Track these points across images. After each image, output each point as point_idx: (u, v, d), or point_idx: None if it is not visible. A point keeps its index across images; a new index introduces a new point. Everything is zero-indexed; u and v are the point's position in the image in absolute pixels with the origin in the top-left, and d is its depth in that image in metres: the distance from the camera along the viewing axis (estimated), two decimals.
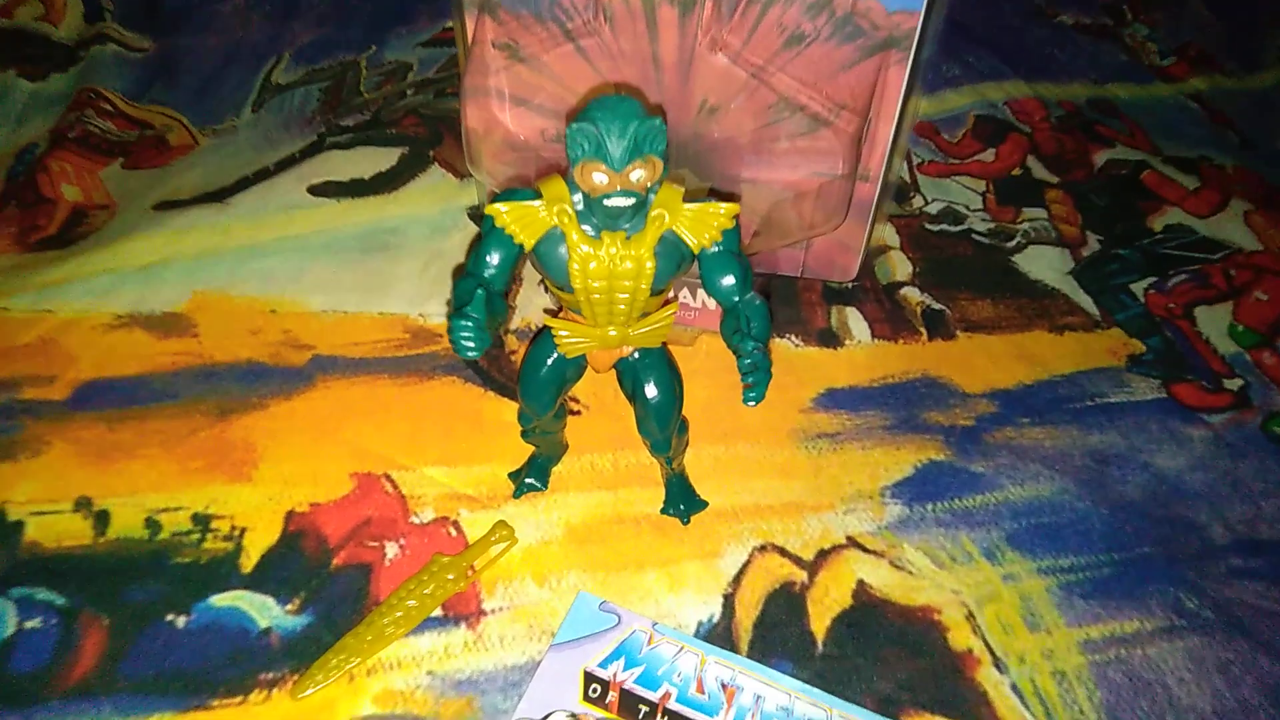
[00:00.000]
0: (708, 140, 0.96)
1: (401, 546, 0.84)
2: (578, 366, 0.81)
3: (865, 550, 0.85)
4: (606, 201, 0.67)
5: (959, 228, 1.17)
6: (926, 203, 1.21)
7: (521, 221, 0.71)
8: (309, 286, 1.08)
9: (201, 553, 0.84)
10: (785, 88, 0.87)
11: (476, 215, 1.17)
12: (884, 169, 0.98)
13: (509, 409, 0.95)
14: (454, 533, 0.86)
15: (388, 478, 0.90)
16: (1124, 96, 1.45)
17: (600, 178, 0.66)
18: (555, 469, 0.91)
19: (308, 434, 0.94)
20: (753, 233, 1.01)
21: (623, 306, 0.73)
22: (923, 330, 1.05)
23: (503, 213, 0.70)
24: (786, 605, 0.81)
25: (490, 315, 0.69)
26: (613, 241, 0.70)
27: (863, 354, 1.03)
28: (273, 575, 0.82)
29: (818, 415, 0.97)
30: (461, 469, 0.91)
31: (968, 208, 1.20)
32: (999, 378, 1.01)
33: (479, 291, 0.67)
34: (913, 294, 1.09)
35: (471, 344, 0.65)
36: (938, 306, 1.08)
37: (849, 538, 0.86)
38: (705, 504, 0.89)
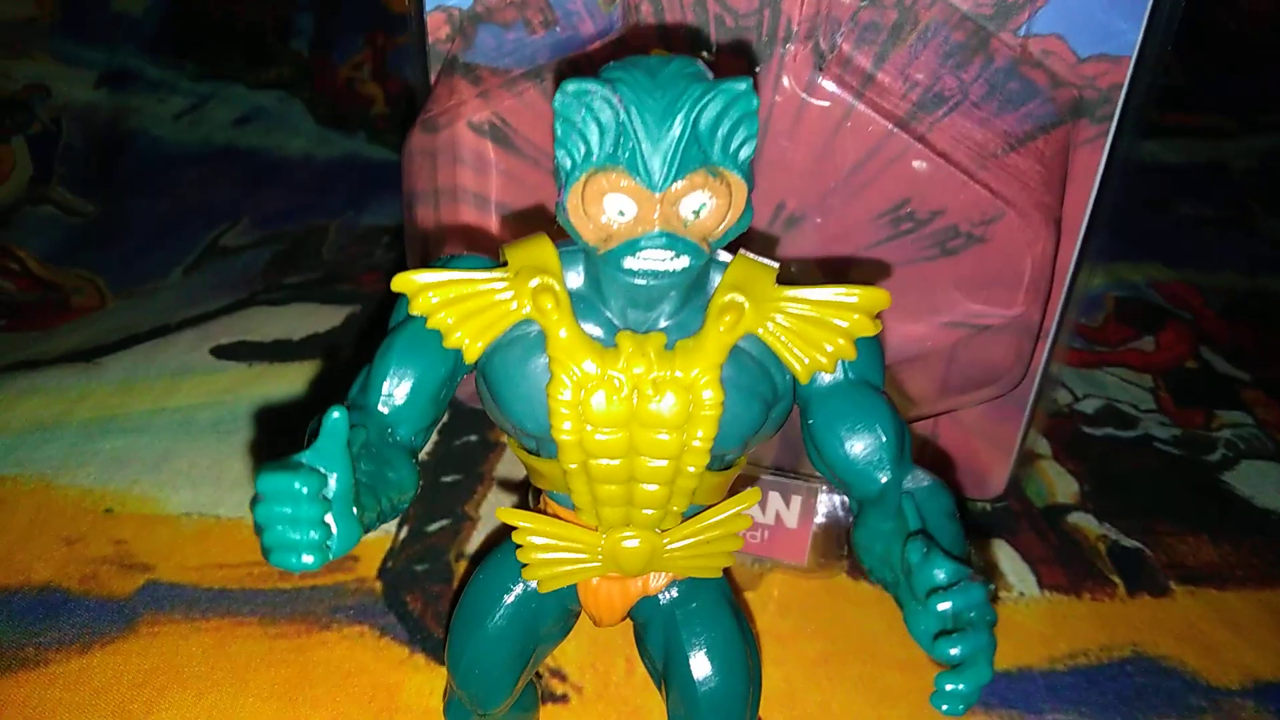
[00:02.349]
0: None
1: None
2: (561, 613, 0.43)
3: None
4: (630, 260, 0.33)
5: (1131, 433, 0.81)
6: (1076, 399, 0.85)
7: (464, 309, 0.36)
8: (173, 477, 0.72)
9: None
10: (947, 145, 0.54)
11: None
12: (1058, 318, 0.64)
13: (442, 690, 0.56)
14: None
15: None
16: None
17: (621, 206, 0.32)
18: None
19: (98, 717, 0.54)
20: None
21: (653, 488, 0.37)
22: (1117, 580, 0.67)
23: (427, 289, 0.36)
24: None
25: (372, 486, 0.33)
26: (640, 352, 0.35)
27: (1031, 615, 0.64)
28: None
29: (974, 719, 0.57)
30: None
31: (1136, 407, 0.85)
32: (1260, 661, 0.61)
33: (338, 425, 0.30)
34: (1087, 523, 0.72)
35: (296, 535, 0.29)
36: (1130, 543, 0.70)
37: None
38: None
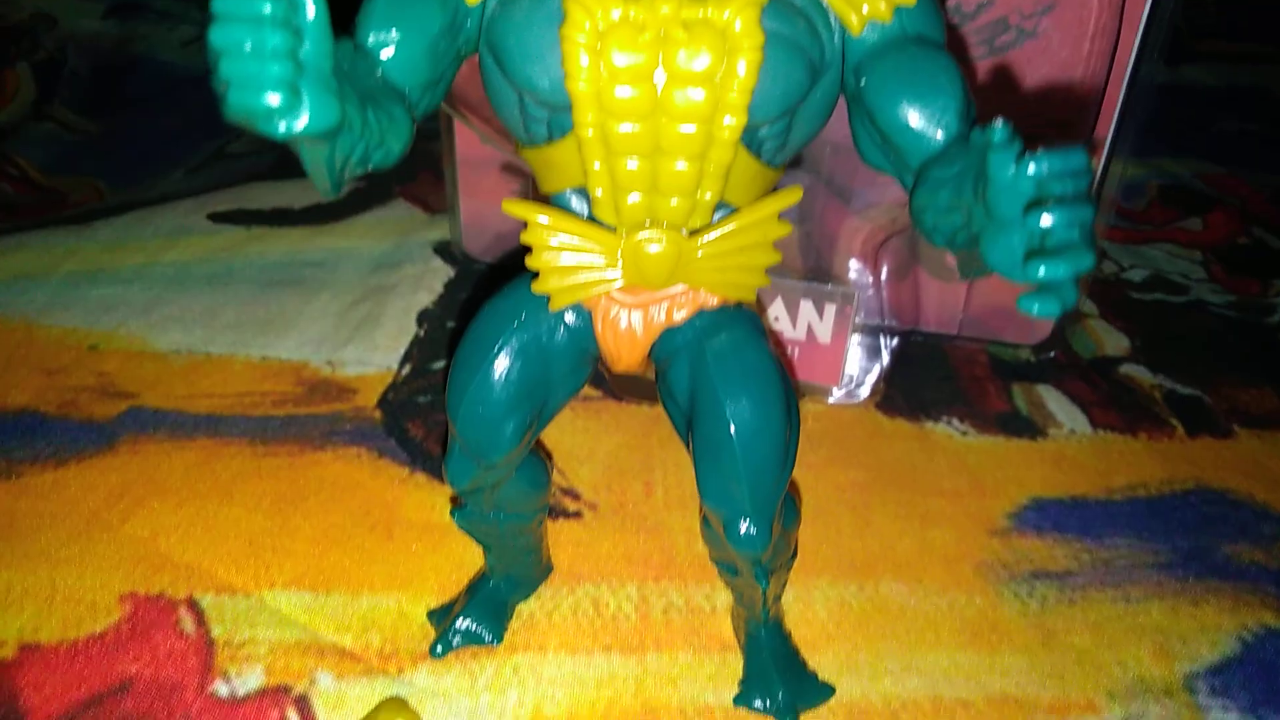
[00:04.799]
0: None
1: None
2: (576, 355, 0.39)
3: None
4: None
5: (1182, 298, 0.76)
6: (1122, 269, 0.80)
7: None
8: (163, 321, 0.68)
9: None
10: None
11: (446, 250, 0.78)
12: (1112, 131, 0.59)
13: (446, 506, 0.52)
14: None
15: (191, 606, 0.46)
16: None
17: None
18: (524, 608, 0.46)
19: (71, 523, 0.50)
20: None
21: (682, 165, 0.33)
22: (1176, 422, 0.62)
23: None
24: None
25: (360, 96, 0.28)
26: None
27: (1084, 450, 0.59)
28: None
29: (1024, 540, 0.52)
30: (337, 599, 0.46)
31: (1187, 276, 0.79)
32: None
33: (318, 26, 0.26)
34: (1140, 374, 0.67)
35: (259, 65, 0.24)
36: (1187, 391, 0.65)
37: None
38: (829, 691, 0.43)
